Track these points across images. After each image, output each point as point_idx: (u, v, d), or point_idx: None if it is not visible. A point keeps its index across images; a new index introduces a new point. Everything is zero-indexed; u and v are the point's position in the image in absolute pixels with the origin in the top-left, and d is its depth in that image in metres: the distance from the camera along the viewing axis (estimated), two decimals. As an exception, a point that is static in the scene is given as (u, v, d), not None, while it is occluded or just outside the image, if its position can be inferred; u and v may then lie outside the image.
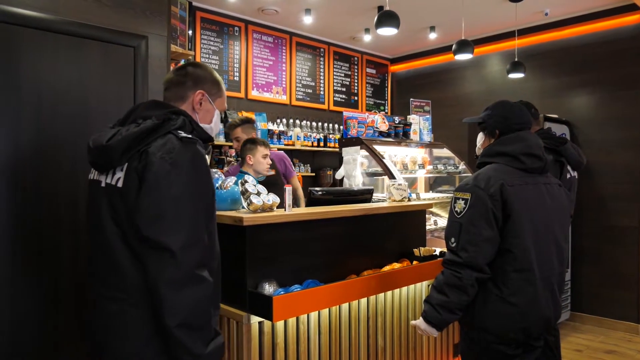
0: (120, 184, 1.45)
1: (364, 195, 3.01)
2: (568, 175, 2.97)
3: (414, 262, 2.77)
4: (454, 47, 4.54)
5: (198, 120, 1.65)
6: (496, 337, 1.86)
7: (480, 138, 2.15)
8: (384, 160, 3.79)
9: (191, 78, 1.63)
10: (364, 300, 2.46)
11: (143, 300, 1.43)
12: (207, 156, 2.92)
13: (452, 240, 1.88)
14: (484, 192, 1.84)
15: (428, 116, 4.70)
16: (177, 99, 1.63)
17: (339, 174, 3.99)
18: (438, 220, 4.03)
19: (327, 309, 2.28)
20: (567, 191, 2.10)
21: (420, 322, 1.95)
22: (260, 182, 3.53)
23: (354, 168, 3.86)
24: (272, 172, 3.59)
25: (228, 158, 4.76)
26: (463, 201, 1.88)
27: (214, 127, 1.72)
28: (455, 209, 1.90)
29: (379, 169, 3.93)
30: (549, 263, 1.91)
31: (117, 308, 1.46)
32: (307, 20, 5.19)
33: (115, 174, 1.47)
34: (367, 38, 5.87)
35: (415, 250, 2.87)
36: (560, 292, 1.99)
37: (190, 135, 1.50)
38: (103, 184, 1.51)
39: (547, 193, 1.97)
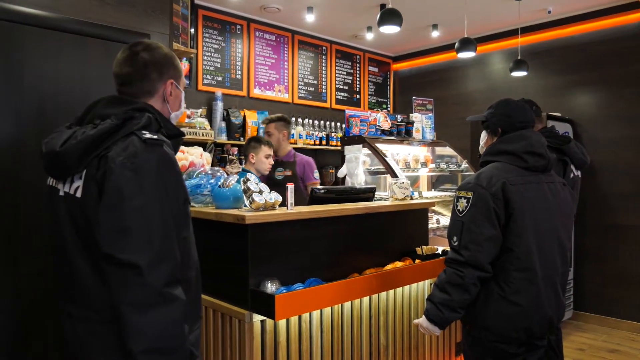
0: (79, 194, 1.30)
1: (366, 194, 3.00)
2: (571, 175, 2.94)
3: (417, 261, 2.76)
4: (456, 45, 4.53)
5: (169, 110, 1.52)
6: (498, 336, 1.86)
7: (484, 136, 2.14)
8: (386, 158, 3.78)
9: (154, 68, 1.45)
10: (366, 299, 2.45)
11: (111, 318, 1.27)
12: (209, 154, 2.91)
13: (455, 239, 1.89)
14: (486, 190, 1.84)
15: (430, 114, 4.68)
16: (144, 94, 1.46)
17: (341, 173, 3.98)
18: (440, 218, 4.02)
19: (330, 308, 2.28)
20: (571, 190, 2.10)
21: (422, 320, 1.96)
22: (272, 181, 3.63)
23: (356, 166, 3.85)
24: (289, 173, 3.73)
25: (230, 156, 4.76)
26: (465, 200, 1.88)
27: (183, 110, 1.59)
28: (458, 208, 1.90)
29: (381, 167, 3.92)
30: (551, 262, 1.91)
31: (86, 328, 1.34)
32: (309, 18, 5.18)
33: (74, 182, 1.32)
34: (369, 36, 5.86)
35: (418, 249, 2.86)
36: (563, 292, 1.98)
37: (155, 136, 1.33)
38: (61, 193, 1.36)
39: (550, 192, 1.96)
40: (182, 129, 1.64)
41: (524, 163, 1.92)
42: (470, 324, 1.95)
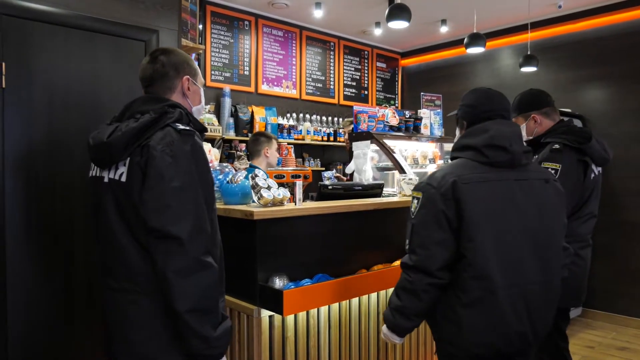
0: (123, 179, 1.48)
1: (375, 190, 2.99)
2: (592, 175, 2.52)
3: (425, 257, 2.76)
4: (465, 40, 4.50)
5: (190, 104, 1.70)
6: (462, 351, 1.66)
7: (457, 132, 1.96)
8: (394, 154, 3.77)
9: (171, 67, 1.64)
10: (374, 295, 2.45)
11: (152, 289, 1.46)
12: (217, 150, 2.93)
13: (407, 242, 1.74)
14: (436, 190, 1.66)
15: (439, 110, 4.66)
16: (165, 90, 1.64)
17: (349, 169, 3.98)
18: (449, 215, 4.00)
19: (338, 304, 2.28)
20: (558, 186, 1.84)
21: (383, 326, 1.82)
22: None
23: (364, 162, 3.85)
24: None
25: (238, 152, 4.77)
26: (416, 200, 1.72)
27: (204, 104, 1.79)
28: (410, 209, 1.75)
29: (389, 163, 3.91)
30: (520, 270, 1.65)
31: (127, 298, 1.50)
32: (318, 14, 5.17)
33: (118, 169, 1.50)
34: (377, 32, 5.83)
35: (426, 245, 2.85)
36: (548, 304, 1.73)
37: (188, 127, 1.53)
38: (106, 180, 1.53)
39: (520, 189, 1.70)
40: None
41: (484, 158, 1.70)
42: (436, 338, 1.78)
